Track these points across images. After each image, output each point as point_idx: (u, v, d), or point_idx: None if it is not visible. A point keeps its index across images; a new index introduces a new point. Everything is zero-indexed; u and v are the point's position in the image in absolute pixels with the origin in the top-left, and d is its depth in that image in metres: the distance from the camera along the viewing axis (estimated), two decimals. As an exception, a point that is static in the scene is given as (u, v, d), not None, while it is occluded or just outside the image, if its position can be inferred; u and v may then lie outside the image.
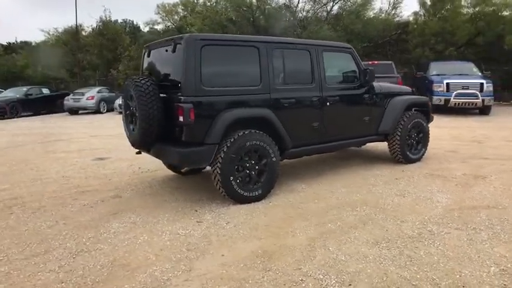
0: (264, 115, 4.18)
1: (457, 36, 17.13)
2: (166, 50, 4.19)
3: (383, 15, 20.79)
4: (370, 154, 6.65)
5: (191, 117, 3.75)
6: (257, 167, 4.20)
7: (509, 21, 17.11)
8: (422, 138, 5.96)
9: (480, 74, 13.12)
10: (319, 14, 21.02)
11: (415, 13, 19.05)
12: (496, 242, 3.13)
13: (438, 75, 13.12)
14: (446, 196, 4.30)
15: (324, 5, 20.68)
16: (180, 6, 29.95)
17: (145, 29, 30.78)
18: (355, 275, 2.69)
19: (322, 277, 2.67)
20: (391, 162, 5.91)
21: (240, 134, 4.00)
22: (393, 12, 20.57)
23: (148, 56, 4.67)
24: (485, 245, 3.08)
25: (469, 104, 12.19)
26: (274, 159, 4.27)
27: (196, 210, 4.05)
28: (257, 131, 4.12)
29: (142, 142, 4.12)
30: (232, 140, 3.95)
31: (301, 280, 2.64)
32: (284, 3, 21.11)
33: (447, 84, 12.37)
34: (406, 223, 3.58)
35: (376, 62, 14.63)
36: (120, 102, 16.64)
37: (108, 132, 10.83)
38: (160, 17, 30.19)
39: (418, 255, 2.95)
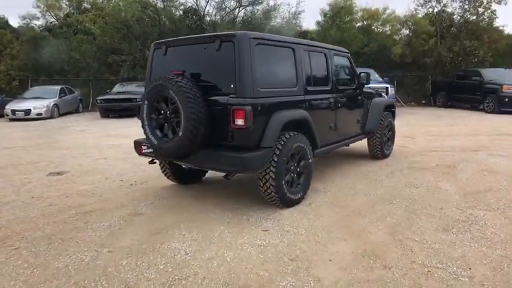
0: (305, 117, 4.15)
1: (353, 46, 19.33)
2: (205, 48, 3.82)
3: (284, 24, 22.07)
4: (341, 152, 7.09)
5: (251, 120, 3.52)
6: (298, 169, 4.15)
7: (391, 35, 20.14)
8: (392, 136, 6.66)
9: (381, 79, 15.09)
10: (226, 19, 21.24)
11: (318, 22, 20.85)
12: (527, 218, 3.76)
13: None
14: (448, 184, 4.93)
15: (231, 10, 20.99)
16: (63, 1, 26.74)
17: (19, 24, 26.51)
18: (463, 259, 2.93)
19: (441, 266, 2.84)
20: (368, 158, 6.44)
21: (287, 137, 3.90)
22: (294, 21, 22.01)
23: (165, 54, 4.17)
24: (522, 221, 3.68)
25: (378, 105, 13.91)
26: (310, 160, 4.28)
27: (248, 219, 3.80)
28: (299, 133, 4.08)
29: (184, 149, 3.67)
30: (282, 142, 3.84)
31: (429, 272, 2.76)
32: (191, 6, 20.73)
33: (359, 88, 13.89)
34: (445, 210, 4.00)
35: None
36: (14, 108, 14.18)
37: (25, 142, 9.08)
38: (40, 12, 26.50)
39: (487, 235, 3.35)
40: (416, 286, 2.58)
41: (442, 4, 20.54)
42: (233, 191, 4.75)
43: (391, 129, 6.60)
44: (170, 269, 2.84)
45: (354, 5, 19.91)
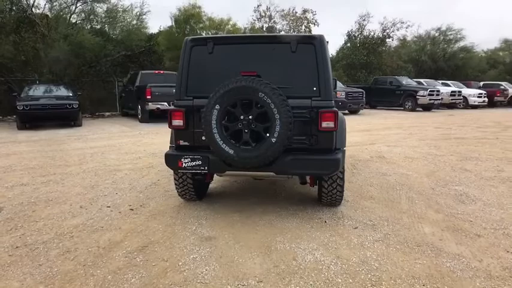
0: (342, 118, 4.42)
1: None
2: (274, 49, 3.61)
3: (129, 24, 20.65)
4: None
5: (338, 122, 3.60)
6: (336, 169, 4.40)
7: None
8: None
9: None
10: (61, 14, 18.29)
11: (170, 27, 20.39)
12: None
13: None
14: (404, 170, 6.07)
15: (68, 6, 18.23)
16: None
17: None
18: (505, 220, 3.88)
19: (502, 226, 3.71)
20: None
21: (337, 138, 4.11)
22: (139, 24, 20.81)
23: (211, 52, 3.67)
24: None
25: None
26: (339, 159, 4.58)
27: (325, 222, 3.83)
28: (337, 134, 4.33)
29: (274, 156, 3.40)
30: (340, 143, 4.02)
31: (504, 232, 3.58)
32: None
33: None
34: (437, 189, 4.99)
35: (162, 72, 15.06)
36: None
37: None
38: None
39: (488, 202, 4.45)
40: (514, 243, 3.34)
41: (272, 21, 23.55)
42: (254, 199, 4.56)
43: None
44: (352, 280, 2.70)
45: (202, 13, 20.51)
